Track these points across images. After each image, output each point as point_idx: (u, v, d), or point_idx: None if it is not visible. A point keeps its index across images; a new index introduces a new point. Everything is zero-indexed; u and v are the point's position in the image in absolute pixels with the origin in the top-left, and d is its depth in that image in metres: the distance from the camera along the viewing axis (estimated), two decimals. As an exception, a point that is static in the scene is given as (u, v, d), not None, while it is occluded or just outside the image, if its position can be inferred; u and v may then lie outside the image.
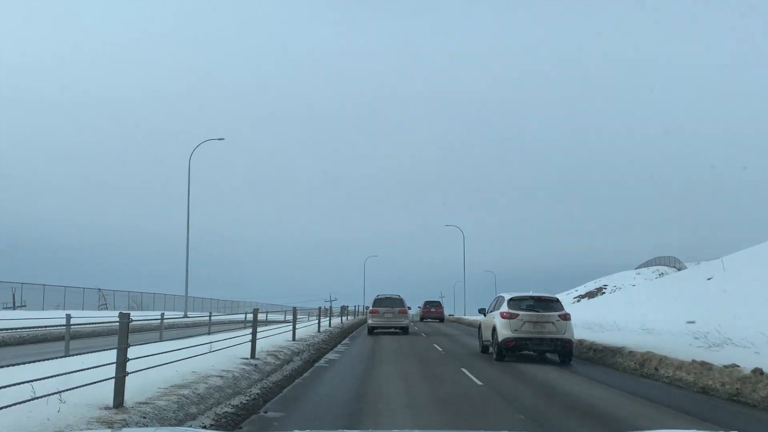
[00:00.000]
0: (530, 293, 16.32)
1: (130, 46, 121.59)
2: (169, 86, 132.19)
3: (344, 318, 34.69)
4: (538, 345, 14.85)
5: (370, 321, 26.27)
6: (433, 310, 45.33)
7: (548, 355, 15.57)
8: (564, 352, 14.75)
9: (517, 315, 14.89)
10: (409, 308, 28.27)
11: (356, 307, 49.13)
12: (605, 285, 74.23)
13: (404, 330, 26.07)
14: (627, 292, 48.62)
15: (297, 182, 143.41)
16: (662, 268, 73.90)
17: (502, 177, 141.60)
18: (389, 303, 26.18)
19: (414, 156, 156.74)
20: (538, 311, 15.05)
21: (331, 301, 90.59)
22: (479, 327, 18.44)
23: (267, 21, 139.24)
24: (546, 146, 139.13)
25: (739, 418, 8.15)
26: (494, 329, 15.39)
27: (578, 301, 73.45)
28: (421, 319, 45.00)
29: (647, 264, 79.26)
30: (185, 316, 32.08)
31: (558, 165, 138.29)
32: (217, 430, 6.05)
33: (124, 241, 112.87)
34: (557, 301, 15.89)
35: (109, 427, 5.13)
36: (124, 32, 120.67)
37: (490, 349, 16.11)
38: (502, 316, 15.11)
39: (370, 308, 26.70)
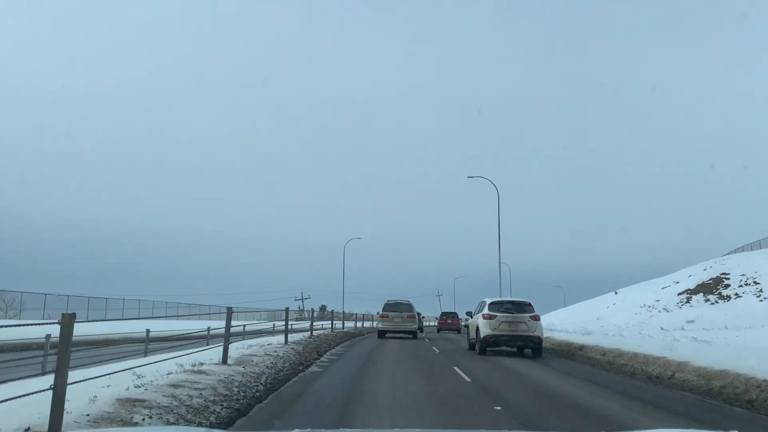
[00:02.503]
0: (507, 298, 22.04)
1: (129, 45, 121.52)
2: (169, 85, 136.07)
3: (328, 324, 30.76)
4: (513, 341, 18.64)
5: (380, 325, 29.20)
6: (449, 322, 47.52)
7: (525, 351, 19.27)
8: (535, 347, 18.42)
9: (496, 316, 18.50)
10: (419, 314, 31.27)
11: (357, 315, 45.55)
12: (725, 273, 58.29)
13: (413, 334, 28.88)
14: None
15: (291, 177, 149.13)
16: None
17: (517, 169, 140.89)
18: (398, 308, 28.64)
19: (412, 154, 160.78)
20: (513, 313, 18.65)
21: (302, 299, 79.53)
22: (467, 327, 23.44)
23: (267, 20, 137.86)
24: (558, 142, 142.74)
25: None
26: (477, 328, 19.15)
27: (688, 300, 57.83)
28: (438, 330, 47.90)
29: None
30: None
31: (565, 160, 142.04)
32: (216, 428, 6.18)
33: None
34: (529, 304, 19.51)
35: (110, 427, 5.37)
36: (123, 31, 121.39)
37: (476, 346, 19.52)
38: (484, 317, 18.72)
39: (381, 313, 29.33)
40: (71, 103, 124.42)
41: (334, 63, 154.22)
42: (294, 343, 16.45)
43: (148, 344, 17.91)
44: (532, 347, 18.39)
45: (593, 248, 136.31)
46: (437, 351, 20.17)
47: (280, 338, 18.44)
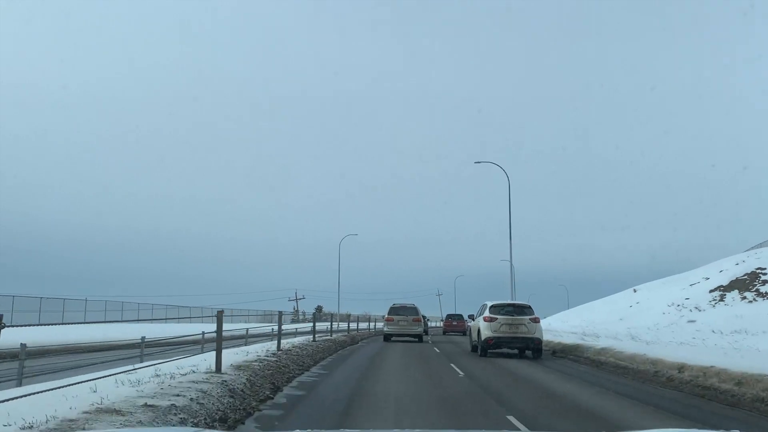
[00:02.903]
0: (507, 301, 21.85)
1: (129, 45, 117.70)
2: (168, 85, 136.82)
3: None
4: (513, 342, 19.18)
5: (385, 328, 29.21)
6: (455, 324, 47.28)
7: (526, 352, 19.50)
8: (534, 348, 18.97)
9: (496, 318, 19.07)
10: (424, 316, 31.82)
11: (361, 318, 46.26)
12: (760, 268, 53.04)
13: (419, 338, 28.73)
14: None
15: (287, 176, 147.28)
16: None
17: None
18: (404, 311, 28.69)
19: (412, 152, 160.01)
20: (513, 315, 19.21)
21: (296, 299, 75.80)
22: (469, 330, 24.50)
23: (267, 20, 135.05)
24: (557, 142, 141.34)
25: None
26: (479, 331, 19.58)
27: (722, 298, 52.40)
28: (444, 333, 47.70)
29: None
30: None
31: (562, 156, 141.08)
32: (216, 429, 5.99)
33: None
34: (529, 307, 20.12)
35: (110, 427, 5.23)
36: (123, 30, 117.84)
37: (478, 348, 19.82)
38: (485, 319, 19.26)
39: (386, 316, 29.41)
40: (71, 103, 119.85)
41: (333, 61, 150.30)
42: (236, 367, 10.08)
43: (24, 362, 11.81)
44: (532, 348, 19.02)
45: (594, 248, 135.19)
46: (461, 375, 13.92)
47: (233, 352, 12.41)
